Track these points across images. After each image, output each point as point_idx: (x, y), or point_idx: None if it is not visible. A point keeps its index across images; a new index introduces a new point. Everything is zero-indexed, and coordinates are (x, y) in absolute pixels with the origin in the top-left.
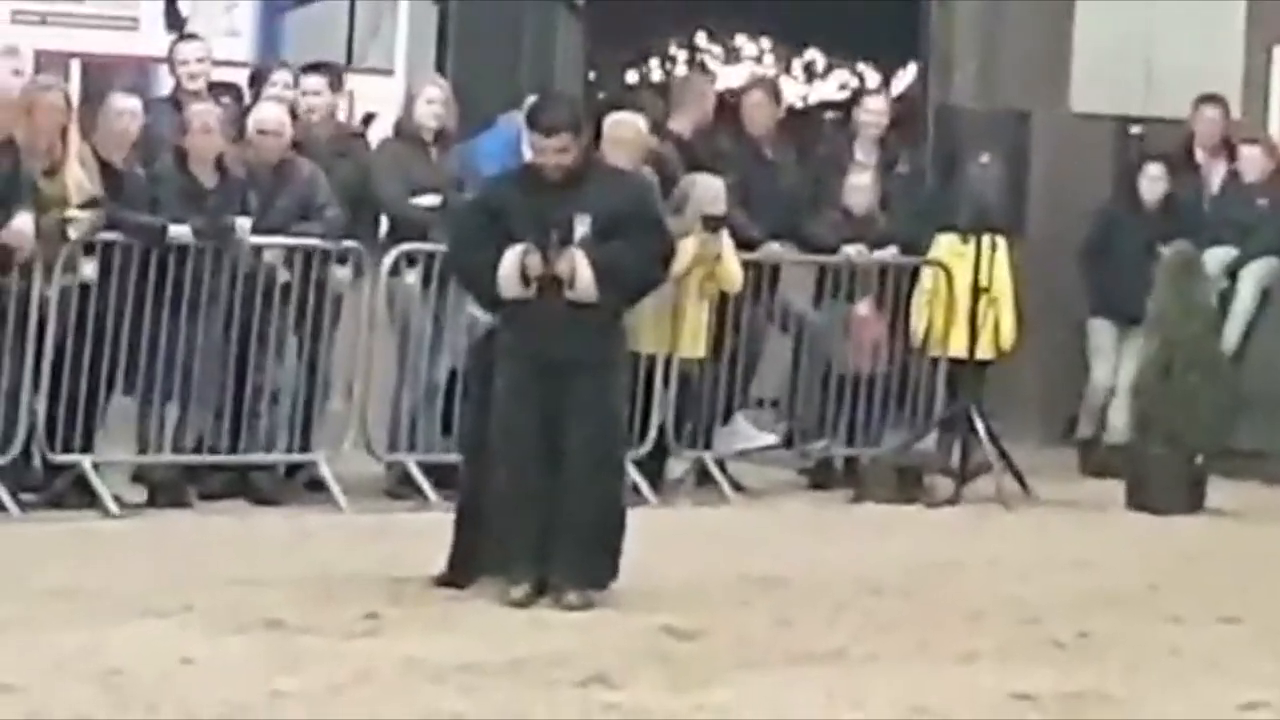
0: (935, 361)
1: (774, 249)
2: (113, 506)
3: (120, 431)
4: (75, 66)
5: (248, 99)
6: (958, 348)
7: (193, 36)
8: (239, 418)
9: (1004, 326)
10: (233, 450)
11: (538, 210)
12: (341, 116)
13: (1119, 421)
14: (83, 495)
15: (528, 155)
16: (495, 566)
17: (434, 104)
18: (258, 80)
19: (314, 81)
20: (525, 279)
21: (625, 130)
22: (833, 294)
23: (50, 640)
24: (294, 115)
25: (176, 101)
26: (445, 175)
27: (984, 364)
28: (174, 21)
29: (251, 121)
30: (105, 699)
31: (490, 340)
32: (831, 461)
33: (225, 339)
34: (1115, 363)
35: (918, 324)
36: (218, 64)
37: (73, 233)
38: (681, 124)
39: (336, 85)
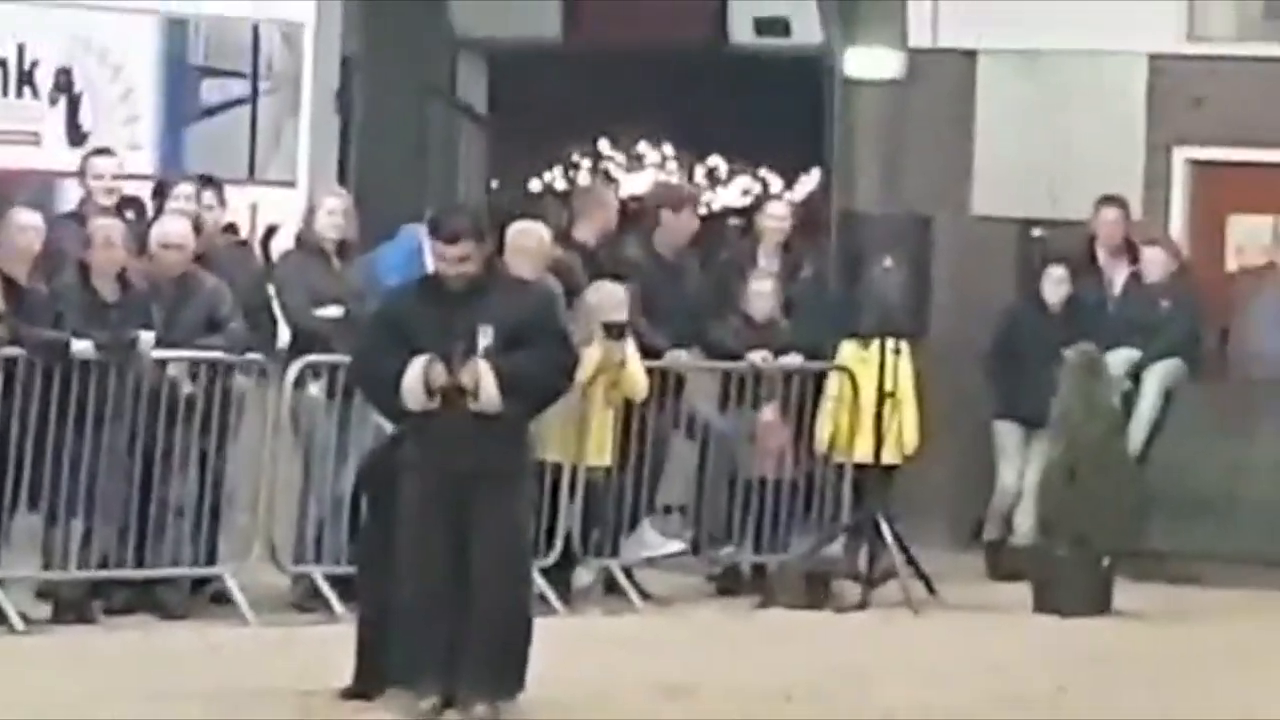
0: (841, 467)
1: (679, 356)
2: (17, 623)
3: (24, 547)
4: None
5: (150, 212)
6: (863, 453)
7: (106, 151)
8: (144, 532)
9: (907, 431)
10: (138, 565)
11: (441, 321)
12: (244, 229)
13: (1025, 524)
14: None
15: (430, 266)
16: (403, 678)
17: (334, 215)
18: (161, 193)
19: (104, 164)
20: (429, 390)
21: (528, 239)
22: (738, 400)
23: None
24: (197, 229)
25: (80, 216)
26: (347, 286)
27: (890, 469)
28: (75, 136)
29: (155, 235)
30: None
31: (391, 448)
32: (739, 567)
33: (129, 453)
34: (1021, 465)
35: (823, 430)
36: (121, 178)
37: None
38: (584, 232)
39: (218, 199)
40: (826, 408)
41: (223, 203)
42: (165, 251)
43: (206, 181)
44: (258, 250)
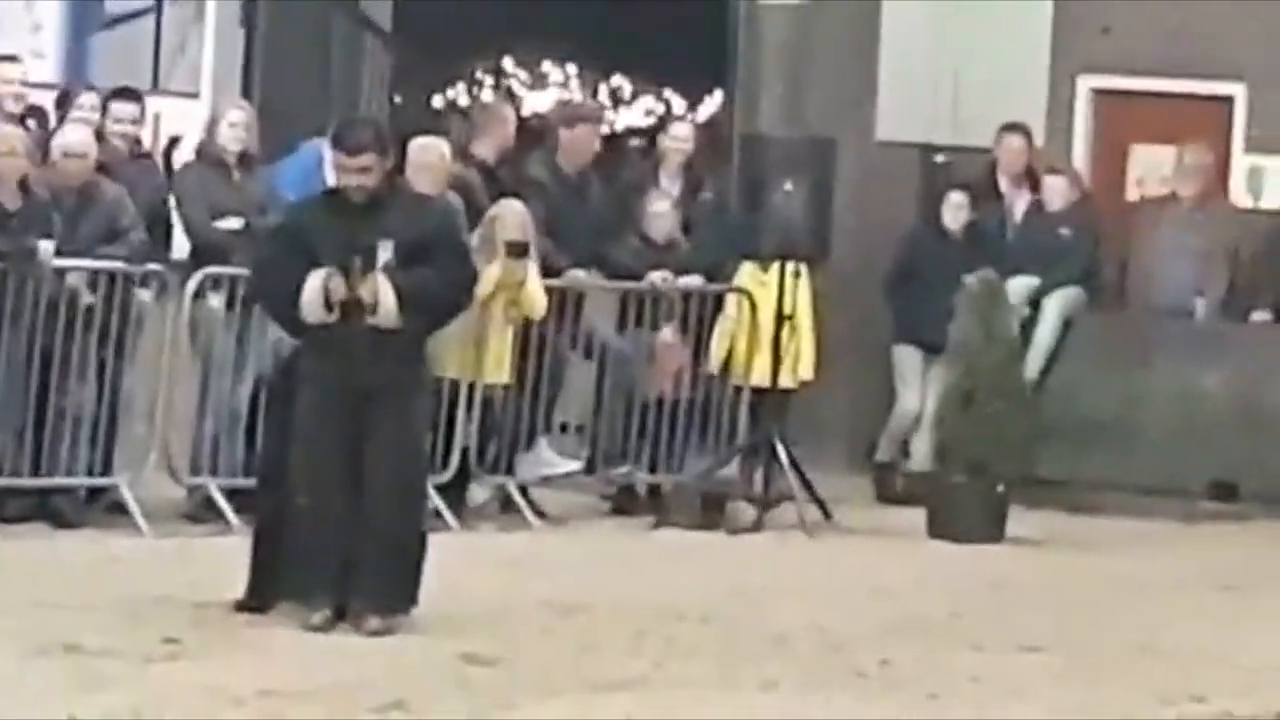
0: (739, 389)
1: (578, 275)
2: None
3: None
4: None
5: (54, 121)
6: (760, 375)
7: (12, 58)
8: (40, 441)
9: (804, 355)
10: (34, 473)
11: (341, 235)
12: (146, 139)
13: (921, 449)
14: None
15: (330, 181)
16: (295, 591)
17: (236, 127)
18: (65, 102)
19: (125, 109)
20: (328, 304)
21: (430, 155)
22: (636, 321)
23: None
24: (99, 138)
25: None
26: (248, 199)
27: (787, 392)
28: None
29: (56, 144)
30: None
31: (292, 363)
32: (634, 487)
33: (27, 361)
34: (921, 389)
35: (718, 351)
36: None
37: None
38: (484, 149)
39: (141, 114)
40: (723, 329)
41: (142, 117)
42: (67, 160)
43: (127, 94)
44: (160, 161)
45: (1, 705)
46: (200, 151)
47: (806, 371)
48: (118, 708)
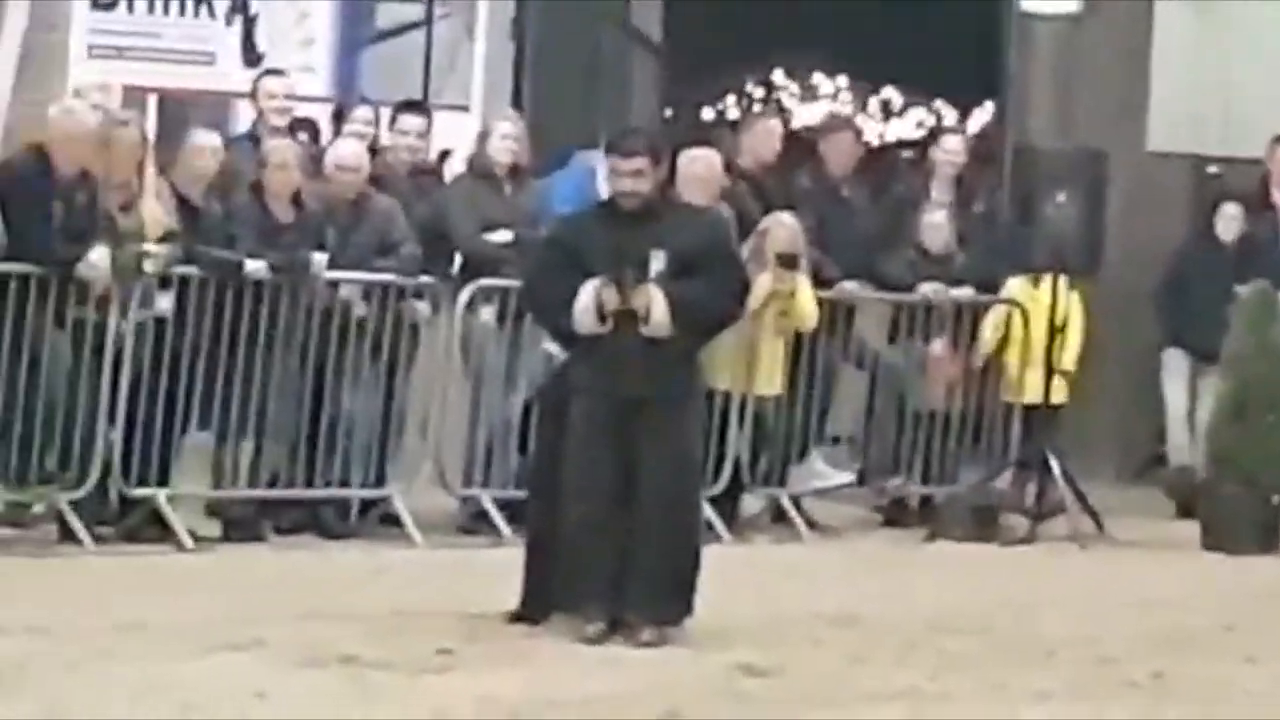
0: (1010, 403)
1: (849, 287)
2: (187, 540)
3: (195, 465)
4: (152, 101)
5: (328, 135)
6: (1033, 390)
7: (278, 72)
8: (314, 452)
9: (1066, 363)
10: (308, 485)
11: (613, 246)
12: (424, 154)
13: (1183, 452)
14: (157, 529)
15: (602, 193)
16: (569, 603)
17: (508, 139)
18: (340, 117)
19: (412, 122)
20: (600, 314)
21: (700, 167)
22: (908, 333)
23: (125, 673)
24: (373, 151)
25: (255, 137)
26: (519, 211)
27: (1058, 407)
28: (251, 57)
29: (330, 157)
30: None
31: (564, 375)
32: (906, 500)
33: (301, 374)
34: (1189, 389)
35: (983, 351)
36: (293, 99)
37: (149, 267)
38: (749, 161)
39: (428, 127)
40: (987, 336)
41: (428, 130)
42: (340, 173)
43: (414, 107)
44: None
45: (277, 716)
46: (471, 164)
47: (1064, 392)
48: (392, 719)
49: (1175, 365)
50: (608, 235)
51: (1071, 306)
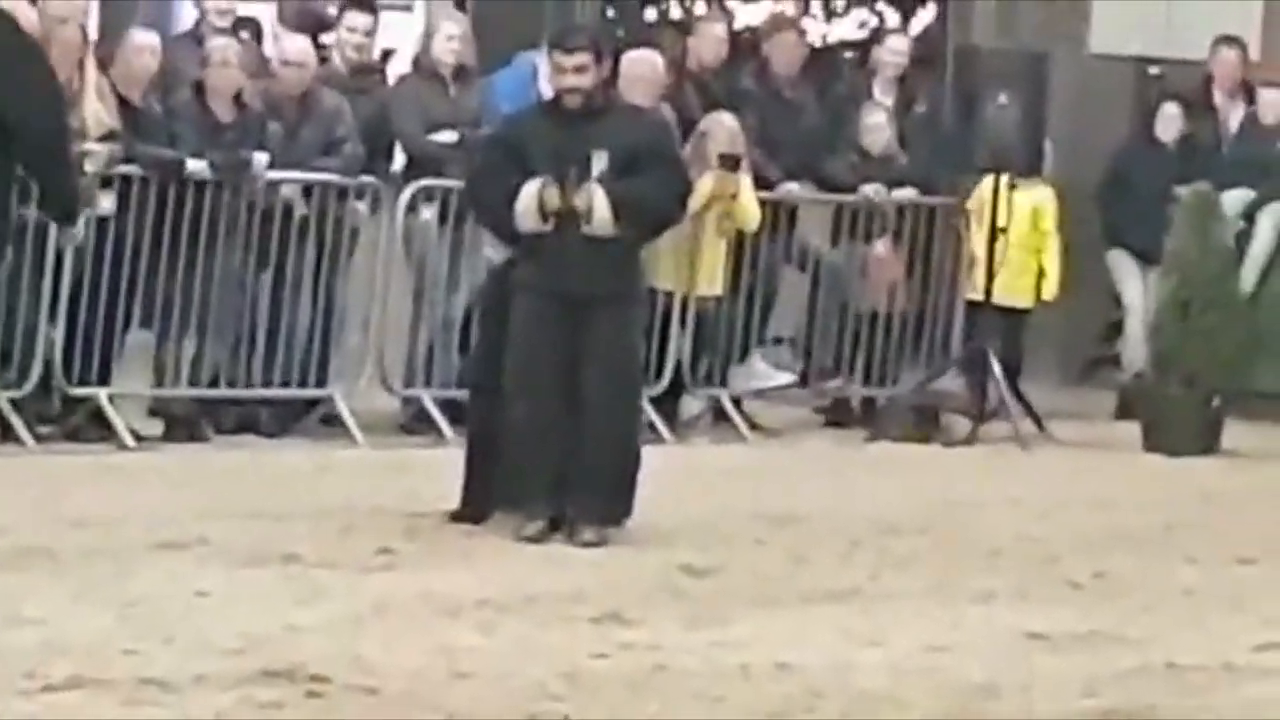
0: (951, 302)
1: (791, 188)
2: (129, 439)
3: (137, 364)
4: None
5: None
6: (973, 289)
7: None
8: (254, 352)
9: (1050, 276)
10: (248, 384)
11: (556, 145)
12: (369, 54)
13: (1133, 357)
14: (99, 428)
15: (545, 93)
16: (510, 502)
17: (453, 40)
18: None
19: (359, 19)
20: (543, 213)
21: (643, 67)
22: (850, 234)
23: (68, 571)
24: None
25: (197, 37)
26: (463, 112)
27: (1013, 311)
28: None
29: (275, 52)
30: (122, 630)
31: (505, 274)
32: (848, 400)
33: (242, 273)
34: (1140, 290)
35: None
36: None
37: (90, 166)
38: (697, 62)
39: (374, 26)
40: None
41: (374, 29)
42: (286, 69)
43: (361, 5)
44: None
45: (220, 614)
46: (416, 64)
47: (1050, 293)
48: (334, 618)
49: (1125, 266)
50: (550, 135)
51: (1045, 207)
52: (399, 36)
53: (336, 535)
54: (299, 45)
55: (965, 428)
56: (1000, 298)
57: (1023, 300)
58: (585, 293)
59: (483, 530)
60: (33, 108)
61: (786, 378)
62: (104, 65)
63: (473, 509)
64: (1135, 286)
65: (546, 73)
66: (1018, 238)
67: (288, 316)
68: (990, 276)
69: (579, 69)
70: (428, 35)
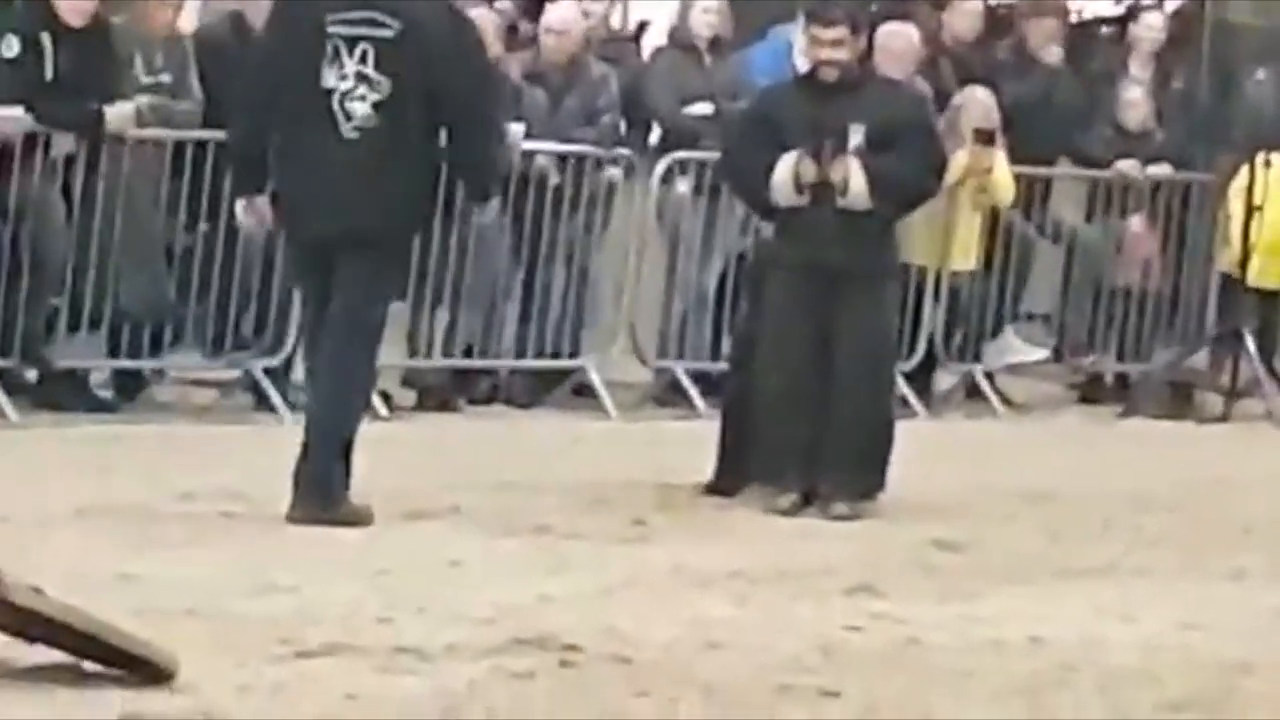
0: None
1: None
2: (382, 409)
3: (390, 335)
4: None
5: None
6: (1229, 265)
7: None
8: (507, 322)
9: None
10: (501, 355)
11: (812, 119)
12: (616, 23)
13: None
14: None
15: (800, 66)
16: (763, 475)
17: (709, 13)
18: None
19: None
20: (799, 186)
21: (898, 41)
22: (1105, 209)
23: (320, 539)
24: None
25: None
26: (718, 84)
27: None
28: None
29: (543, 22)
30: (374, 598)
31: (765, 248)
32: (1102, 376)
33: (497, 244)
34: None
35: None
36: None
37: None
38: (946, 37)
39: None
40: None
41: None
42: (549, 36)
43: None
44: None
45: (471, 583)
46: (672, 36)
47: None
48: (586, 588)
49: None
50: (806, 108)
51: (1273, 186)
52: (652, 8)
53: (588, 506)
54: (563, 14)
55: (1219, 405)
56: (1255, 279)
57: (1275, 282)
58: (840, 267)
59: (735, 504)
60: (462, 80)
61: (1040, 353)
62: None
63: (725, 482)
64: None
65: (801, 46)
66: (1274, 217)
67: (541, 287)
68: (1246, 255)
69: (836, 42)
70: (684, 7)
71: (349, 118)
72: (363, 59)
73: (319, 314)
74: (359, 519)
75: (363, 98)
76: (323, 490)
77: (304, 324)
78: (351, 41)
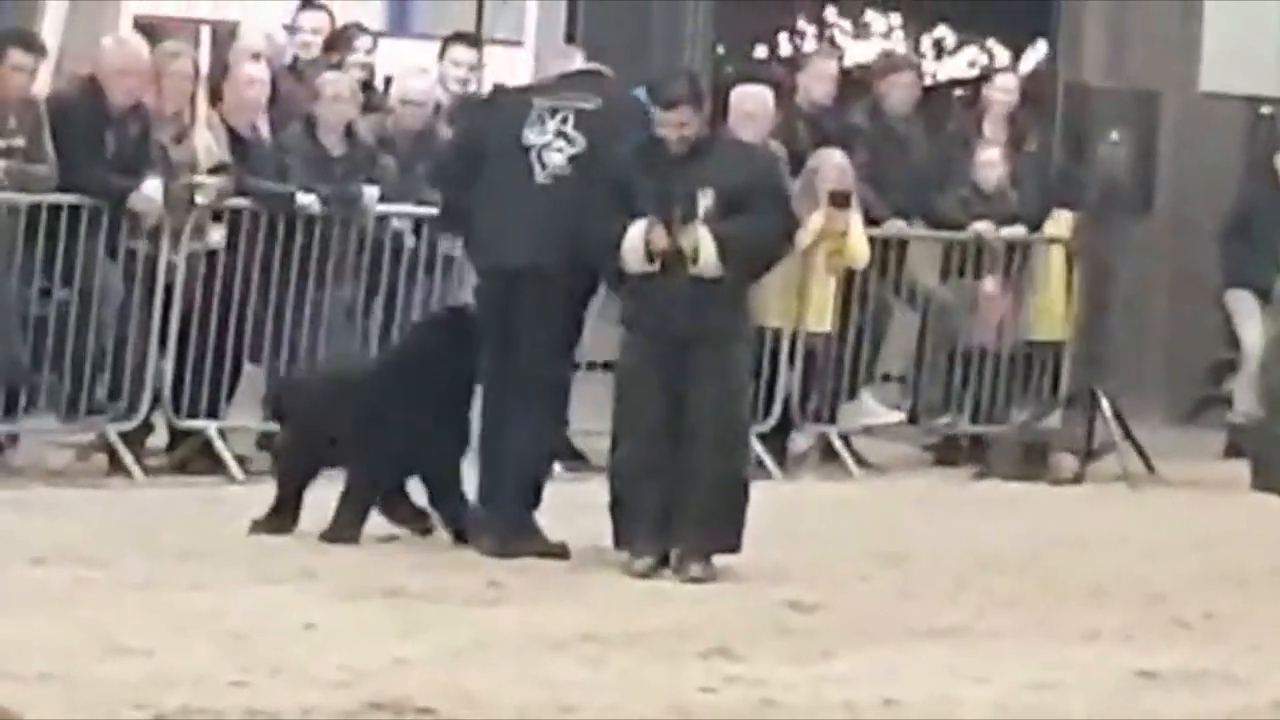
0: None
1: (901, 225)
2: (238, 472)
3: (247, 398)
4: (205, 33)
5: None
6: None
7: (316, 5)
8: None
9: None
10: None
11: (661, 184)
12: (473, 86)
13: (1244, 400)
14: (208, 461)
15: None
16: (619, 539)
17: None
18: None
19: (463, 54)
20: (649, 253)
21: (752, 103)
22: (959, 271)
23: (173, 602)
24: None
25: (296, 70)
26: None
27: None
28: None
29: (395, 92)
30: (228, 661)
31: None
32: (957, 438)
33: (352, 306)
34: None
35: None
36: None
37: (200, 199)
38: (802, 99)
39: (479, 60)
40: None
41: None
42: (406, 108)
43: (465, 40)
44: None
45: (324, 646)
46: None
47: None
48: (438, 650)
49: (1246, 307)
50: (655, 174)
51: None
52: (508, 71)
53: (442, 569)
54: (421, 85)
55: (1073, 466)
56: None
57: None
58: (692, 333)
59: (589, 566)
60: None
61: (895, 415)
62: (215, 97)
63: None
64: (1255, 327)
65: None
66: None
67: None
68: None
69: (680, 124)
70: (540, 69)
71: (544, 166)
72: (564, 121)
73: (497, 362)
74: (560, 551)
75: (560, 150)
76: (518, 528)
77: (483, 371)
78: (555, 110)
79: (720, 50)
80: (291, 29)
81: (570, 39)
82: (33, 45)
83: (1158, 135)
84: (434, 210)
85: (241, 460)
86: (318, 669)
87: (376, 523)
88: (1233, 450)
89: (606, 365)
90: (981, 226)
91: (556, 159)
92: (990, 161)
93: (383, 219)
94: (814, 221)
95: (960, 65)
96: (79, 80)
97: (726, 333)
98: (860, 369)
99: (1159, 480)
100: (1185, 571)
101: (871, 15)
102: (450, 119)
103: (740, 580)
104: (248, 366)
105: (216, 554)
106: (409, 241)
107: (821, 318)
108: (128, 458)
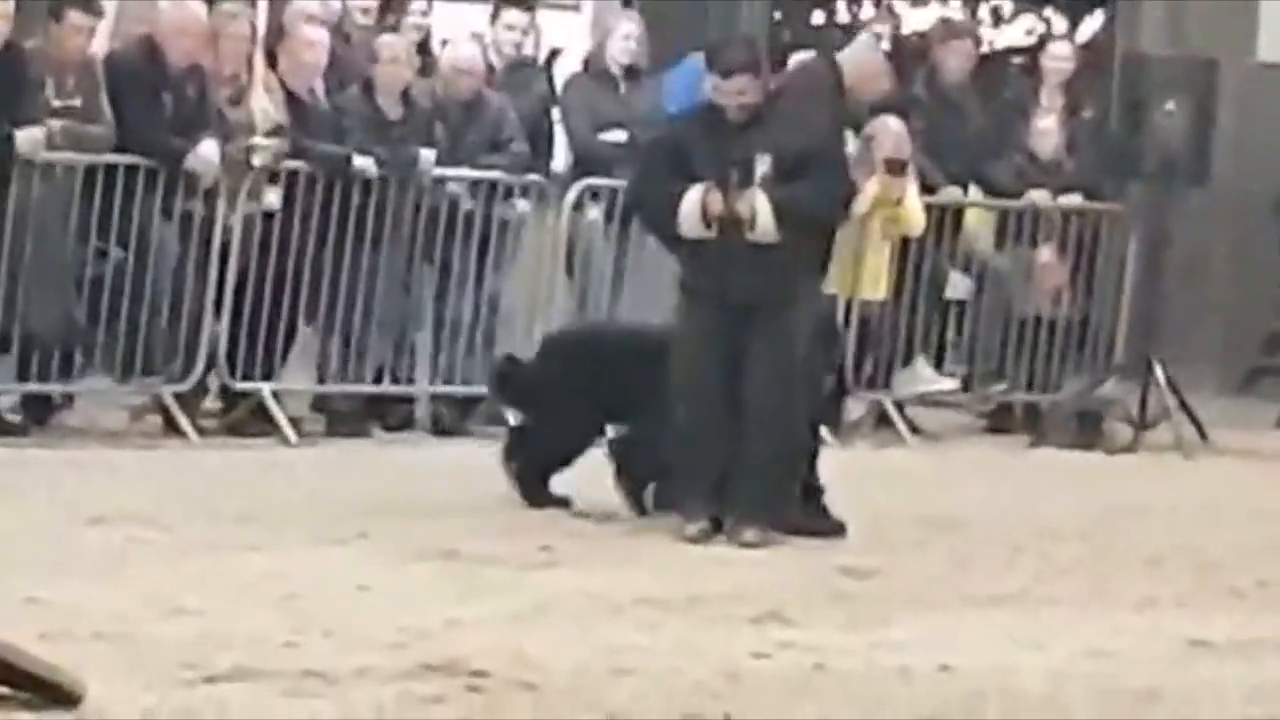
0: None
1: (956, 193)
2: (292, 434)
3: (300, 360)
4: None
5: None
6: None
7: None
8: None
9: None
10: (411, 381)
11: (719, 150)
12: (528, 50)
13: None
14: (262, 422)
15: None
16: (673, 503)
17: (629, 40)
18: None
19: (515, 16)
20: (706, 218)
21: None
22: (1015, 239)
23: (230, 564)
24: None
25: (344, 33)
26: (633, 112)
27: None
28: None
29: (446, 58)
30: (283, 623)
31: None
32: (1011, 406)
33: (407, 270)
34: None
35: None
36: None
37: (257, 160)
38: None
39: (531, 24)
40: None
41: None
42: (455, 74)
43: (519, 2)
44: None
45: (380, 608)
46: (588, 63)
47: None
48: (494, 614)
49: None
50: (713, 139)
51: None
52: (564, 36)
53: (498, 533)
54: (470, 52)
55: (1128, 435)
56: None
57: None
58: (749, 299)
59: (644, 530)
60: None
61: (950, 383)
62: (272, 59)
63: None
64: None
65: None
66: None
67: (451, 313)
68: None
69: (738, 93)
70: (602, 33)
71: None
72: None
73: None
74: (838, 529)
75: None
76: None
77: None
78: None
79: (777, 16)
80: None
81: (627, 2)
82: (91, 6)
83: (1216, 104)
84: (491, 175)
85: (295, 422)
86: (372, 631)
87: (431, 487)
88: None
89: None
90: (1037, 195)
91: None
92: (1047, 130)
93: (439, 182)
94: (870, 188)
95: (1018, 33)
96: (137, 41)
97: (784, 298)
98: (915, 336)
99: (1213, 449)
100: (1239, 540)
101: None
102: (502, 85)
103: (794, 546)
104: (302, 328)
105: (272, 516)
106: (465, 204)
107: (877, 285)
108: (182, 419)
